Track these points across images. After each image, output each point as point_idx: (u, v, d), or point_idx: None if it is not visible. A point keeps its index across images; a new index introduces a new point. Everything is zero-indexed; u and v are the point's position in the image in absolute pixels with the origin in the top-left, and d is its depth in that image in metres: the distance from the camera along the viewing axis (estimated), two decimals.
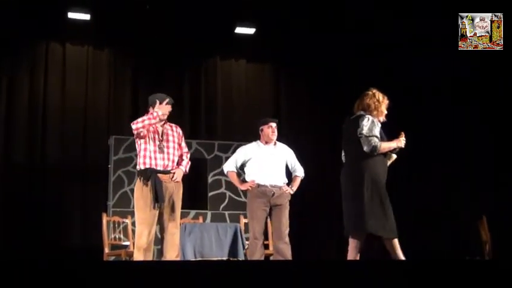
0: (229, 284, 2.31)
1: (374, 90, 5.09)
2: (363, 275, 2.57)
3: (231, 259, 6.35)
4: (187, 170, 5.38)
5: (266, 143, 5.77)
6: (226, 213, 8.24)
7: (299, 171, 5.89)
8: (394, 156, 4.93)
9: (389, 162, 4.94)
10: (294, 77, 9.30)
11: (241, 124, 8.95)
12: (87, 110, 8.45)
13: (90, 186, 8.26)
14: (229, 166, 5.88)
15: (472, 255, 7.49)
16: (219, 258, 6.31)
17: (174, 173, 5.23)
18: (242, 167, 5.86)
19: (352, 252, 4.84)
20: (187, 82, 8.97)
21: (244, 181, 5.82)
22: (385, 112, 5.02)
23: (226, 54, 9.17)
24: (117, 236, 7.00)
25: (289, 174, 5.92)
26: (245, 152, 5.83)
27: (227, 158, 8.39)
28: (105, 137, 8.22)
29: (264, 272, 2.59)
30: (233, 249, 6.44)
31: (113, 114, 8.53)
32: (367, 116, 4.88)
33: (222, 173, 8.35)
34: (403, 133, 4.96)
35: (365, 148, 4.74)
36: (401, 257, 4.70)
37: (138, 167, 5.22)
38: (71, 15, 8.26)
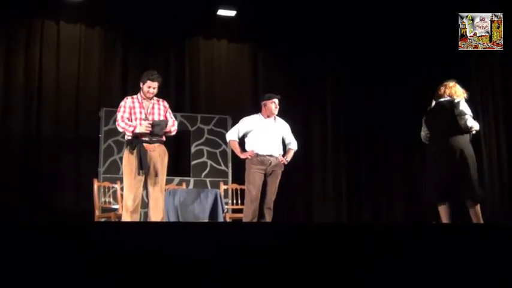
0: (209, 243, 2.33)
1: (454, 82, 5.40)
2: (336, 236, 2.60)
3: (211, 221, 6.40)
4: (171, 130, 5.39)
5: (268, 116, 5.81)
6: (208, 180, 8.25)
7: (293, 145, 5.97)
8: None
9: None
10: (272, 56, 9.26)
11: (222, 99, 8.95)
12: (79, 84, 8.34)
13: (82, 155, 8.20)
14: (232, 135, 5.91)
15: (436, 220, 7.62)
16: (200, 220, 6.35)
17: (160, 141, 5.25)
18: (243, 137, 5.88)
19: (448, 218, 5.18)
20: (172, 60, 8.89)
21: (244, 150, 5.84)
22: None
23: (209, 35, 9.09)
24: (107, 200, 6.99)
25: (284, 146, 5.99)
26: (247, 124, 5.85)
27: (209, 130, 8.44)
28: (96, 109, 8.14)
29: (242, 232, 2.62)
30: (213, 213, 6.48)
31: (103, 88, 8.43)
32: (460, 98, 5.22)
33: (204, 143, 8.39)
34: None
35: (462, 124, 5.10)
36: (481, 221, 5.06)
37: (126, 137, 5.25)
38: None
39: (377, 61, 9.20)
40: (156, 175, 5.21)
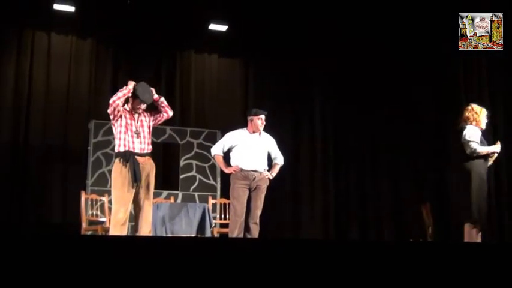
0: (197, 258, 2.33)
1: (472, 105, 5.69)
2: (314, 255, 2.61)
3: (199, 236, 6.37)
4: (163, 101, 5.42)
5: (253, 132, 5.81)
6: (196, 194, 8.24)
7: (279, 160, 5.95)
8: (494, 156, 5.51)
9: (489, 163, 5.53)
10: (262, 71, 9.32)
11: (212, 113, 8.98)
12: (69, 95, 8.34)
13: (70, 166, 8.16)
14: (217, 150, 5.89)
15: (415, 238, 7.65)
16: (188, 235, 6.33)
17: (149, 154, 5.24)
18: (228, 151, 5.87)
19: (469, 237, 5.39)
20: (163, 73, 8.92)
21: (229, 165, 5.83)
22: (485, 121, 5.62)
23: (200, 49, 9.14)
24: (94, 213, 6.95)
25: (270, 161, 5.97)
26: (232, 138, 5.85)
27: (198, 144, 8.44)
28: (85, 120, 8.12)
29: (229, 248, 2.61)
30: (201, 227, 6.47)
31: (93, 100, 8.43)
32: (468, 125, 5.53)
33: (193, 157, 8.39)
34: (499, 142, 5.53)
35: (467, 151, 5.41)
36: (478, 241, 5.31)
37: (116, 149, 5.19)
38: (56, 6, 8.13)
39: (366, 76, 9.27)
40: (148, 188, 5.19)
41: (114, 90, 8.32)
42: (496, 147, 5.48)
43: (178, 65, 9.01)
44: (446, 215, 8.18)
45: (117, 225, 5.00)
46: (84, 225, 6.62)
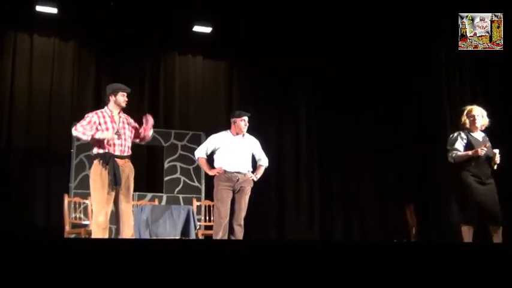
0: (181, 260, 2.32)
1: (464, 107, 5.68)
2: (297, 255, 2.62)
3: (183, 238, 6.36)
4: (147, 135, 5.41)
5: (237, 133, 5.82)
6: (181, 196, 8.22)
7: (263, 161, 5.97)
8: (497, 161, 5.42)
9: (494, 167, 5.45)
10: (246, 73, 9.31)
11: (197, 115, 8.97)
12: (52, 98, 8.27)
13: (53, 169, 8.10)
14: (200, 153, 5.90)
15: (399, 238, 7.71)
16: (172, 237, 6.31)
17: (128, 157, 5.22)
18: (212, 154, 5.87)
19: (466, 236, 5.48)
20: (147, 75, 8.89)
21: (213, 167, 5.83)
22: (477, 124, 5.55)
23: (184, 51, 9.12)
24: (77, 216, 6.90)
25: (254, 163, 5.98)
26: (215, 141, 5.86)
27: (182, 146, 8.43)
28: (68, 123, 8.05)
29: (214, 250, 2.61)
30: (185, 229, 6.45)
31: (76, 102, 8.37)
32: (455, 133, 5.60)
33: (177, 159, 8.37)
34: (486, 145, 5.41)
35: (448, 159, 5.50)
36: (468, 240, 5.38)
37: (96, 150, 5.14)
38: (39, 8, 8.07)
39: (350, 78, 9.30)
40: (128, 191, 5.17)
41: (98, 93, 8.24)
42: (476, 153, 5.37)
43: (162, 67, 8.98)
44: (432, 217, 8.28)
45: (99, 229, 4.97)
46: (67, 228, 6.57)
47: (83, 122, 5.12)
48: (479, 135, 5.57)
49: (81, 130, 5.06)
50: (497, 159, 5.42)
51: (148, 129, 5.32)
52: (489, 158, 5.41)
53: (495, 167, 5.43)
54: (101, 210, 5.00)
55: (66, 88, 8.39)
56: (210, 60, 9.32)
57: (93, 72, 8.58)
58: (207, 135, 7.40)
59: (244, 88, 9.27)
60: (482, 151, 5.35)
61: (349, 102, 9.34)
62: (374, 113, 9.21)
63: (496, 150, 5.43)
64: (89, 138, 5.05)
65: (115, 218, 5.20)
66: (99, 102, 8.12)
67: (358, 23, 8.67)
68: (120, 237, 5.12)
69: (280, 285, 2.33)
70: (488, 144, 5.48)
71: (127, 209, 5.14)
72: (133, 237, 5.26)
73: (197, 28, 8.84)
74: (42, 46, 8.36)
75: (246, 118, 5.83)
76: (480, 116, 5.56)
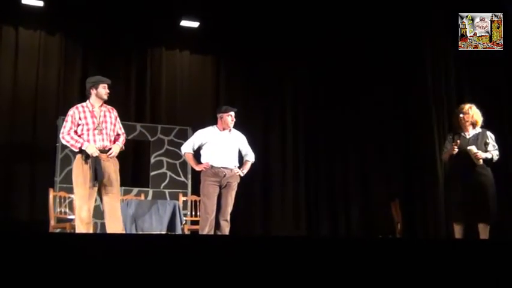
0: (167, 255, 2.32)
1: (457, 108, 5.78)
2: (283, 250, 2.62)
3: (169, 233, 6.35)
4: (123, 147, 5.33)
5: (223, 129, 5.82)
6: (167, 191, 8.20)
7: (250, 157, 5.98)
8: (479, 156, 5.41)
9: (478, 162, 5.44)
10: (233, 68, 9.30)
11: (183, 110, 8.93)
12: (37, 91, 8.20)
13: (38, 163, 8.03)
14: (187, 148, 5.89)
15: (384, 234, 7.76)
16: (158, 232, 6.30)
17: (111, 149, 5.17)
18: (198, 149, 5.87)
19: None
20: (134, 69, 8.83)
21: (199, 162, 5.83)
22: (466, 123, 5.57)
23: (171, 45, 9.07)
24: (62, 210, 6.87)
25: (241, 158, 5.99)
26: (202, 136, 5.85)
27: (169, 141, 8.40)
28: (54, 117, 8.00)
29: (200, 245, 2.61)
30: (171, 224, 6.44)
31: (62, 97, 8.29)
32: (448, 135, 5.83)
33: (163, 154, 8.35)
34: (457, 142, 5.47)
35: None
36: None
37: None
38: (25, 1, 8.00)
39: (337, 74, 9.34)
40: (111, 185, 5.14)
41: (84, 87, 8.19)
42: (453, 150, 5.46)
43: (149, 62, 8.93)
44: (418, 212, 8.35)
45: (83, 224, 4.96)
46: (52, 222, 6.54)
47: (68, 127, 5.11)
48: (470, 134, 5.59)
49: (68, 139, 5.11)
50: (480, 155, 5.39)
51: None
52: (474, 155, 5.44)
53: (480, 162, 5.42)
54: (83, 205, 4.98)
55: (52, 82, 8.32)
56: (197, 55, 9.29)
57: (80, 66, 8.51)
58: (194, 130, 7.39)
59: (231, 83, 9.26)
60: (454, 150, 5.46)
61: (336, 99, 9.37)
62: (360, 109, 9.25)
63: (471, 147, 5.40)
64: (77, 149, 5.06)
65: (104, 213, 5.18)
66: (85, 96, 8.08)
67: (345, 20, 8.70)
68: (106, 231, 5.10)
69: (266, 280, 2.33)
70: (479, 142, 5.53)
71: (112, 203, 5.12)
72: (122, 232, 5.24)
73: (184, 23, 8.82)
74: (27, 39, 8.27)
75: (232, 113, 5.83)
76: (468, 115, 5.56)
